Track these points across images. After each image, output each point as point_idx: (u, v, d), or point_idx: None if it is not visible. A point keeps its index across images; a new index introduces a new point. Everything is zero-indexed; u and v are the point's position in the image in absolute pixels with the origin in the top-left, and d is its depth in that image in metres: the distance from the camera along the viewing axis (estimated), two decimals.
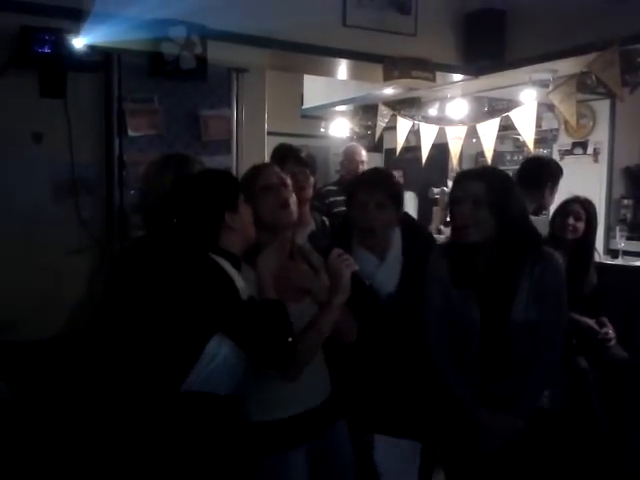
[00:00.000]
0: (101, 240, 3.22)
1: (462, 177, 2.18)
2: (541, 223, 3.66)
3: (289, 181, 2.05)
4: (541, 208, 3.54)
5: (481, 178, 2.08)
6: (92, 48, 3.09)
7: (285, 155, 2.77)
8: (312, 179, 2.78)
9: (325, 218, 2.97)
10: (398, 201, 2.29)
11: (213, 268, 1.73)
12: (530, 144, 4.65)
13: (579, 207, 3.27)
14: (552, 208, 3.55)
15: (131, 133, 3.27)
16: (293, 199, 2.01)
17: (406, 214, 2.52)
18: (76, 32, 3.02)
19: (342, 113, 6.26)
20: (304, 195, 2.68)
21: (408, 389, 2.26)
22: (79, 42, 3.03)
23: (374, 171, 2.54)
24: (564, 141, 5.41)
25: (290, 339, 1.72)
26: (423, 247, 2.34)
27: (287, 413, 1.88)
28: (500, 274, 2.08)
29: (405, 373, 2.26)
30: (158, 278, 1.82)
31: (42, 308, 3.00)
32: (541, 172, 3.42)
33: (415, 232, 2.45)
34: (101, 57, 3.19)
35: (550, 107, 4.82)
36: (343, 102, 5.72)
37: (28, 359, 2.88)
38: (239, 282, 1.75)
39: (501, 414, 2.08)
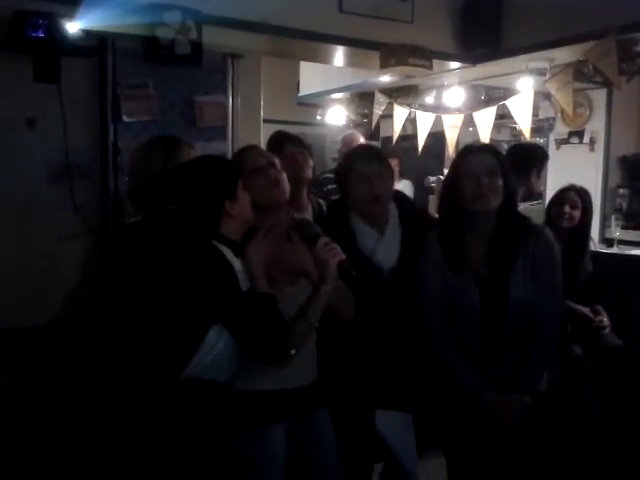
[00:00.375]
0: (95, 226, 3.20)
1: (472, 150, 2.24)
2: (536, 212, 3.67)
3: (277, 160, 2.06)
4: (530, 194, 3.53)
5: (490, 151, 2.20)
6: (86, 33, 3.06)
7: (282, 140, 2.76)
8: (311, 161, 2.78)
9: (322, 201, 2.96)
10: (392, 173, 2.36)
11: (216, 257, 1.74)
12: (527, 133, 4.64)
13: (575, 195, 3.28)
14: (548, 197, 3.55)
15: (126, 118, 3.24)
16: (283, 177, 2.01)
17: (398, 191, 2.55)
18: (70, 16, 2.98)
19: (338, 101, 6.24)
20: (304, 174, 2.68)
21: (405, 366, 2.28)
22: (73, 26, 3.00)
23: (364, 146, 2.60)
24: (560, 130, 5.40)
25: (281, 334, 1.74)
26: (419, 221, 2.40)
27: (271, 386, 1.89)
28: (498, 249, 2.13)
29: (403, 350, 2.28)
30: (159, 265, 1.83)
31: (36, 294, 3.00)
32: (526, 158, 3.41)
33: (409, 207, 2.49)
34: (95, 42, 3.16)
35: (547, 96, 4.80)
36: (339, 90, 5.70)
37: (23, 345, 2.87)
38: (240, 271, 1.76)
39: (507, 394, 2.11)
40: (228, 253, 1.77)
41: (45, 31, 2.94)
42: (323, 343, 2.06)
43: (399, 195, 2.51)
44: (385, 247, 2.30)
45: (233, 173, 1.88)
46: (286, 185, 2.01)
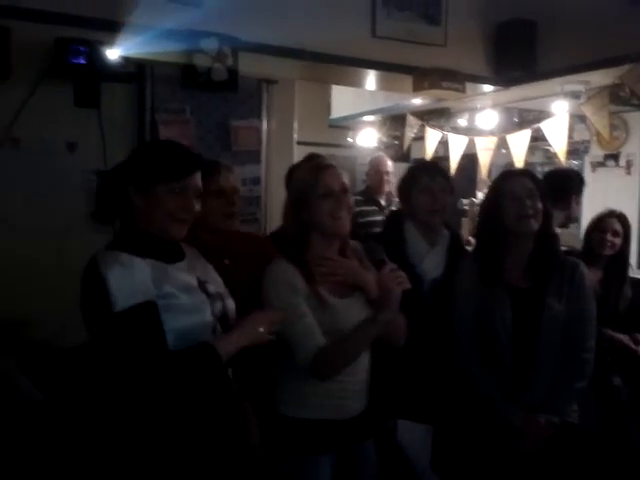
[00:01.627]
0: None
1: (512, 174, 2.40)
2: (570, 236, 3.62)
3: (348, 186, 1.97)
4: (568, 220, 3.52)
5: (527, 175, 2.30)
6: (126, 59, 3.14)
7: None
8: None
9: None
10: (453, 190, 2.52)
11: (87, 282, 1.58)
12: (562, 156, 4.58)
13: (617, 222, 3.21)
14: (583, 220, 3.51)
15: None
16: (349, 207, 1.93)
17: (447, 223, 2.65)
18: (110, 43, 3.07)
19: (370, 123, 6.26)
20: None
21: (430, 377, 2.33)
22: (113, 53, 3.09)
23: (429, 161, 2.70)
24: (596, 153, 5.33)
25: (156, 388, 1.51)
26: (460, 251, 2.53)
27: (322, 415, 1.87)
28: (535, 268, 2.20)
29: (431, 362, 2.33)
30: None
31: (74, 314, 3.02)
32: (565, 184, 3.40)
33: (458, 240, 2.62)
34: (134, 68, 3.24)
35: (582, 118, 4.75)
36: (371, 112, 5.72)
37: (60, 365, 2.91)
38: (115, 286, 1.50)
39: (536, 413, 2.11)
40: (114, 259, 1.55)
41: (86, 58, 3.03)
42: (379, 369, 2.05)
43: (450, 226, 2.63)
44: (432, 259, 2.41)
45: (156, 160, 1.64)
46: (348, 217, 1.92)
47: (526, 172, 2.44)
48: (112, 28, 3.05)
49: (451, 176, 4.88)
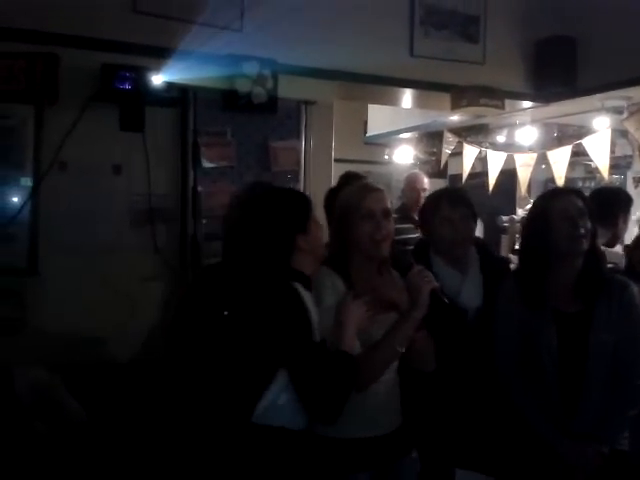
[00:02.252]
0: (175, 268, 3.32)
1: (560, 193, 2.30)
2: (614, 254, 3.55)
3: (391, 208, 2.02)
4: (615, 238, 3.45)
5: (576, 194, 2.22)
6: (169, 84, 3.23)
7: (348, 180, 2.80)
8: None
9: None
10: (475, 216, 2.41)
11: (293, 300, 1.72)
12: (604, 172, 4.50)
13: None
14: (627, 238, 3.44)
15: (205, 164, 3.37)
16: (389, 231, 1.96)
17: (478, 237, 2.63)
18: (155, 69, 3.16)
19: (406, 140, 6.26)
20: None
21: (490, 420, 2.24)
22: (157, 79, 3.17)
23: (448, 189, 2.62)
24: (638, 168, 5.23)
25: (343, 397, 1.69)
26: (498, 265, 2.46)
27: (358, 433, 1.87)
28: (583, 289, 2.12)
29: (490, 402, 2.24)
30: (233, 304, 1.81)
31: (117, 333, 3.11)
32: (612, 203, 3.34)
33: (487, 251, 2.53)
34: (178, 92, 3.31)
35: (623, 133, 4.67)
36: (407, 130, 5.73)
37: (104, 382, 2.97)
38: (314, 315, 1.74)
39: (584, 443, 2.05)
40: (304, 293, 1.73)
41: (131, 83, 3.12)
42: (410, 389, 2.04)
43: (479, 241, 2.54)
44: (469, 287, 2.33)
45: (304, 206, 1.84)
46: (388, 241, 1.96)
47: (574, 191, 2.34)
48: (157, 54, 3.14)
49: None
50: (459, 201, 2.37)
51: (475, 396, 2.23)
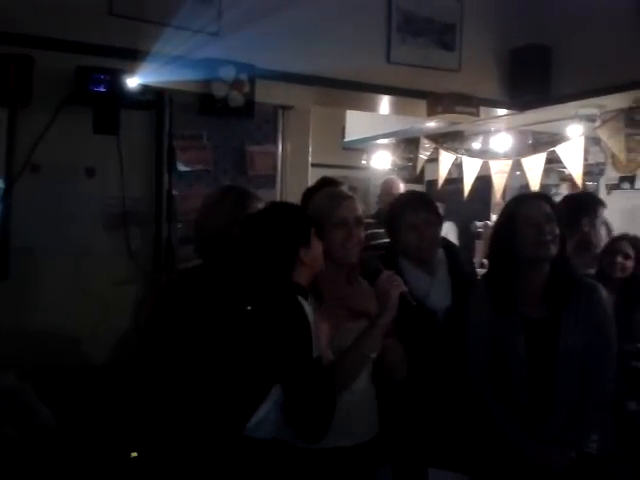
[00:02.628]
0: (149, 271, 3.29)
1: (528, 198, 2.30)
2: (589, 259, 3.59)
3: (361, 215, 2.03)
4: (584, 243, 3.46)
5: (544, 199, 2.23)
6: (145, 87, 3.20)
7: (323, 185, 2.79)
8: None
9: None
10: (440, 219, 2.42)
11: (298, 315, 1.71)
12: (578, 179, 4.57)
13: (627, 245, 3.20)
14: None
15: (181, 168, 3.35)
16: (360, 238, 1.99)
17: (446, 239, 2.61)
18: (130, 72, 3.13)
19: (384, 146, 6.30)
20: None
21: (462, 420, 2.25)
22: (132, 81, 3.15)
23: (412, 193, 2.61)
24: (611, 175, 5.31)
25: (333, 414, 1.70)
26: (465, 267, 2.47)
27: (332, 443, 1.84)
28: (551, 295, 2.13)
29: (461, 402, 2.25)
30: (230, 313, 1.82)
31: (90, 337, 3.08)
32: (577, 208, 3.37)
33: (455, 254, 2.53)
34: (153, 96, 3.29)
35: (596, 141, 4.76)
36: (385, 135, 5.77)
37: (75, 387, 2.93)
38: (314, 329, 1.73)
39: (552, 447, 2.06)
40: (306, 307, 1.74)
41: (106, 86, 3.08)
42: (384, 396, 2.04)
43: (448, 243, 2.55)
44: (438, 289, 2.34)
45: (307, 220, 1.87)
46: (357, 249, 1.98)
47: (541, 195, 2.36)
48: (132, 57, 3.12)
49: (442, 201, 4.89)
50: (422, 206, 2.37)
51: (447, 397, 2.24)
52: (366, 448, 1.93)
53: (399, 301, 1.87)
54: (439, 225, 2.41)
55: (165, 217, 3.31)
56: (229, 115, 3.41)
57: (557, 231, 2.13)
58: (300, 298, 1.75)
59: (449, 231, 5.13)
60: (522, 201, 2.25)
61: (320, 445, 1.82)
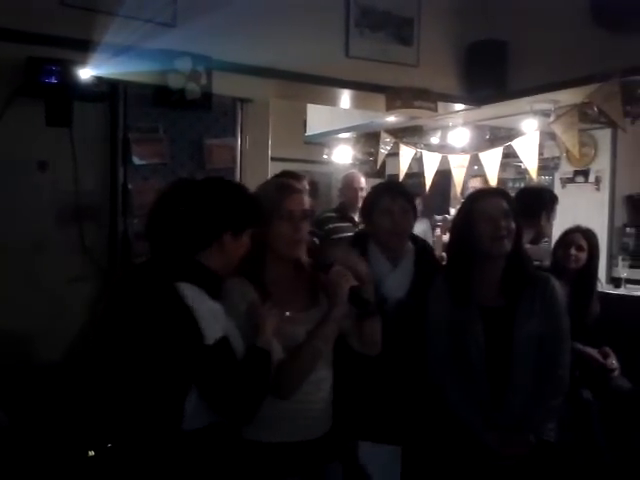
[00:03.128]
0: (104, 267, 3.23)
1: (485, 193, 2.35)
2: (542, 251, 3.68)
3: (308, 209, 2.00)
4: (540, 236, 3.56)
5: (501, 195, 2.26)
6: (98, 79, 3.13)
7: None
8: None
9: (317, 240, 2.97)
10: (415, 210, 2.45)
11: (170, 306, 1.62)
12: (533, 173, 4.66)
13: (580, 237, 3.28)
14: (555, 236, 3.56)
15: (136, 161, 3.29)
16: (306, 234, 1.96)
17: (417, 236, 2.64)
18: (83, 63, 3.06)
19: (345, 140, 6.31)
20: None
21: (396, 397, 2.30)
22: (85, 73, 3.08)
23: (391, 181, 2.65)
24: (566, 169, 5.44)
25: (259, 393, 1.67)
26: (432, 266, 2.48)
27: (283, 438, 1.85)
28: (506, 288, 2.17)
29: (396, 381, 2.30)
30: (132, 313, 1.73)
31: (43, 335, 3.01)
32: (535, 202, 3.44)
33: (426, 252, 2.57)
34: (107, 87, 3.22)
35: (552, 136, 4.83)
36: (346, 130, 5.78)
37: (28, 386, 2.87)
38: (205, 319, 1.63)
39: (511, 433, 2.10)
40: (195, 295, 1.64)
41: (58, 77, 3.01)
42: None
43: (418, 239, 2.59)
44: (395, 279, 2.37)
45: (250, 211, 1.78)
46: (303, 244, 1.96)
47: (498, 191, 2.40)
48: (85, 48, 3.04)
49: (419, 195, 4.95)
50: (399, 194, 2.42)
51: (392, 381, 2.29)
52: (319, 444, 1.92)
53: (350, 295, 1.85)
54: (414, 216, 2.45)
55: (120, 211, 3.26)
56: (186, 107, 3.36)
57: (513, 226, 2.16)
58: (183, 284, 1.64)
59: (424, 226, 5.18)
60: (479, 197, 2.29)
61: (275, 439, 1.83)
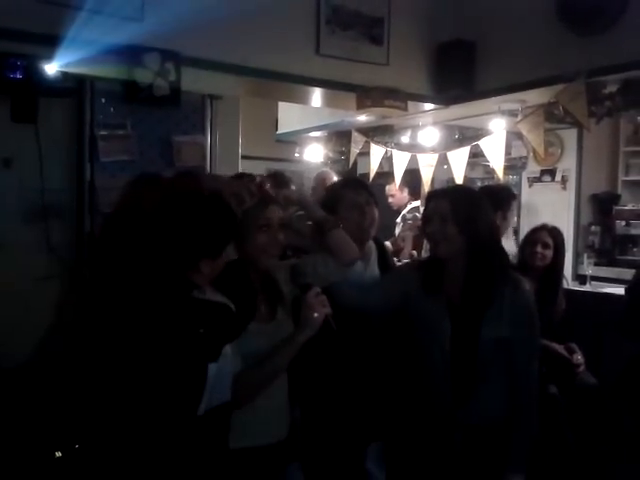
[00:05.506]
0: (71, 267, 3.18)
1: (431, 196, 2.28)
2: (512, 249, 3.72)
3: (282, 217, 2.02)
4: None
5: (446, 196, 2.16)
6: (65, 74, 3.09)
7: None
8: None
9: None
10: (377, 202, 2.46)
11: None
12: (499, 172, 4.72)
13: (547, 235, 3.33)
14: (522, 234, 3.60)
15: (102, 158, 3.26)
16: (282, 243, 1.97)
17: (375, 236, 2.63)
18: (48, 58, 3.01)
19: (316, 139, 6.31)
20: None
21: (375, 393, 2.32)
22: (51, 68, 3.03)
23: (349, 177, 2.65)
24: (533, 168, 5.51)
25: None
26: (389, 266, 2.52)
27: (247, 443, 1.84)
28: (469, 290, 2.11)
29: (374, 375, 2.33)
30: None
31: (8, 336, 2.94)
32: (490, 201, 3.47)
33: (384, 250, 2.61)
34: (74, 83, 3.19)
35: (519, 135, 4.90)
36: (317, 128, 5.78)
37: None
38: None
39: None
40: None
41: (23, 72, 2.97)
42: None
43: (378, 241, 2.59)
44: (370, 276, 2.37)
45: (229, 231, 1.73)
46: (278, 253, 1.98)
47: (447, 193, 2.27)
48: (51, 42, 2.98)
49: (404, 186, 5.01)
50: (361, 186, 2.45)
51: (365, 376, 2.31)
52: (278, 448, 1.93)
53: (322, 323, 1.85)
54: (376, 206, 2.45)
55: (87, 209, 3.21)
56: (154, 104, 3.33)
57: (451, 230, 2.07)
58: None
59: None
60: (426, 201, 2.27)
61: (236, 444, 1.79)
